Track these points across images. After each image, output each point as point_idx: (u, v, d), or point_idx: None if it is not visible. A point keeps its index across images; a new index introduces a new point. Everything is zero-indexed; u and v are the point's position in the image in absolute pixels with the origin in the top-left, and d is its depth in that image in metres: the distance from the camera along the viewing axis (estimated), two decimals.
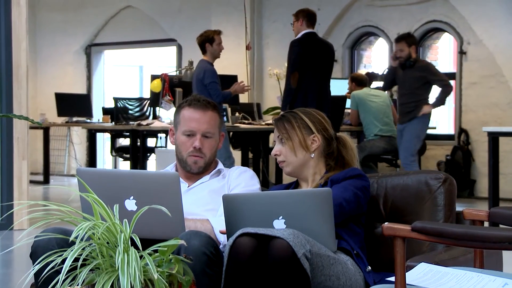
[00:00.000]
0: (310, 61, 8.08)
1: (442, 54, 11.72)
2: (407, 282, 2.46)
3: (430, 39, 11.51)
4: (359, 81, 10.25)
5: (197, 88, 8.39)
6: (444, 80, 8.86)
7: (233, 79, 8.98)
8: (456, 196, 3.26)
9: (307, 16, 8.22)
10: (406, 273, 2.48)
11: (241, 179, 3.34)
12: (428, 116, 8.87)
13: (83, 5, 14.20)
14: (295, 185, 3.36)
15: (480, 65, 10.70)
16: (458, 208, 3.21)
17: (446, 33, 11.27)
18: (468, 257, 2.89)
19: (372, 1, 11.58)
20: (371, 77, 10.95)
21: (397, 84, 9.04)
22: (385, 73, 9.53)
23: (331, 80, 8.44)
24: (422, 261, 2.71)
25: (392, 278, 2.50)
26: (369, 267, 3.01)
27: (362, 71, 11.74)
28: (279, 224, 2.83)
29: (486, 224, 2.89)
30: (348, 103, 10.20)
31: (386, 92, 10.24)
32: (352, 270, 2.93)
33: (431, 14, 11.13)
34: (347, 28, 11.92)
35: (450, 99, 11.59)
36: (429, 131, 10.43)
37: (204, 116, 3.34)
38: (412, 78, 8.75)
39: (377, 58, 12.28)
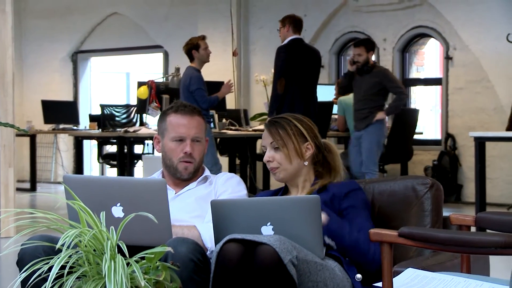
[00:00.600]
0: (297, 67, 8.08)
1: (428, 60, 11.75)
2: None
3: (416, 45, 11.54)
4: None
5: (184, 94, 8.39)
6: (400, 87, 8.80)
7: (219, 85, 8.96)
8: (443, 201, 3.27)
9: (294, 22, 8.21)
10: (394, 279, 2.49)
11: (227, 185, 3.33)
12: (383, 122, 8.78)
13: (69, 12, 14.16)
14: (284, 191, 3.35)
15: (466, 70, 10.73)
16: (445, 213, 3.21)
17: (432, 38, 11.30)
18: (455, 262, 2.90)
19: (358, 7, 11.59)
20: None
21: (353, 89, 8.97)
22: (342, 77, 9.47)
23: (318, 86, 8.44)
24: (409, 266, 2.71)
25: (380, 284, 2.50)
26: (359, 275, 2.97)
27: None
28: (267, 230, 2.83)
29: (473, 229, 2.90)
30: (335, 109, 10.21)
31: None
32: (340, 276, 2.92)
33: (418, 19, 11.16)
34: (334, 34, 11.94)
35: (437, 104, 11.64)
36: (416, 136, 10.47)
37: (192, 121, 3.35)
38: (368, 84, 8.68)
39: None
